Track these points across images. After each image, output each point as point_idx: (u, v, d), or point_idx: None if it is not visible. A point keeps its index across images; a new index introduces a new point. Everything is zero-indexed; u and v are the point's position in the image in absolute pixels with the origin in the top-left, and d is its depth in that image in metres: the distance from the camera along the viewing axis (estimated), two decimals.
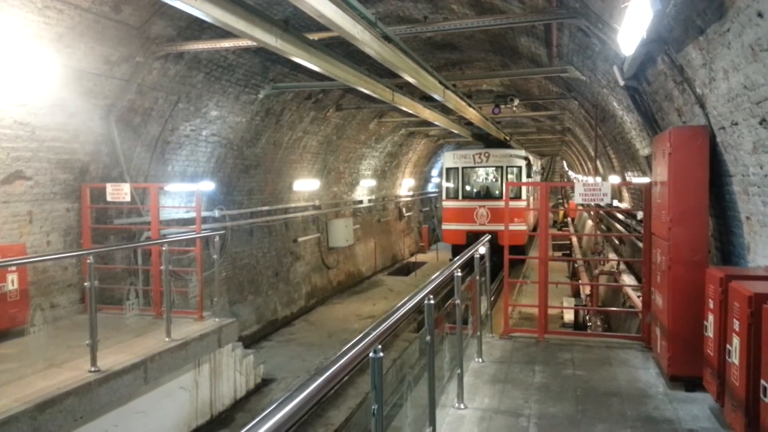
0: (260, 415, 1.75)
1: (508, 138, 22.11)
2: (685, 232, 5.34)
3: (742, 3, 3.64)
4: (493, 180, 21.09)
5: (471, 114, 14.24)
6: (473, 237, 15.16)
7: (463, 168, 20.45)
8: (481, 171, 21.32)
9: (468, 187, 20.75)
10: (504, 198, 17.36)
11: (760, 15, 3.49)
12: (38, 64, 7.22)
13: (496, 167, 20.48)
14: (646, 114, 7.64)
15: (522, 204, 19.55)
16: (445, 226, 21.07)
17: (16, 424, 5.06)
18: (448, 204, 20.83)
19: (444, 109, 15.31)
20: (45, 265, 8.23)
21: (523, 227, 18.58)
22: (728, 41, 4.08)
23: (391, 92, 11.17)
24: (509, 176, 20.09)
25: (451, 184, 20.82)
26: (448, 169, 20.86)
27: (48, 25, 7.05)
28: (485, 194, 20.46)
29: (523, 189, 19.89)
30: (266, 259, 14.98)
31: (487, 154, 20.21)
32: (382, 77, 10.68)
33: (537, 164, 29.42)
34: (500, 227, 14.31)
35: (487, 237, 6.84)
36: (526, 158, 20.18)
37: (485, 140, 21.26)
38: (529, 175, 20.33)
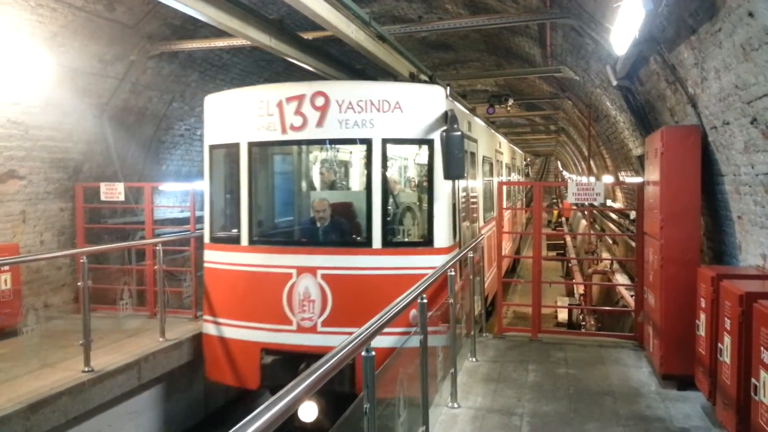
0: (254, 413, 1.76)
1: (425, 72, 9.38)
2: (677, 232, 5.37)
3: (733, 3, 3.66)
4: (342, 183, 8.47)
5: None
6: (281, 366, 6.30)
7: (252, 147, 6.67)
8: (304, 155, 7.73)
9: (269, 209, 7.43)
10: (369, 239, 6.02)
11: (750, 15, 3.52)
12: (31, 62, 7.19)
13: (347, 141, 7.06)
14: (639, 114, 7.68)
15: (434, 261, 5.81)
16: (206, 328, 6.96)
17: (9, 425, 5.04)
18: (213, 258, 6.94)
19: None
20: (38, 265, 8.20)
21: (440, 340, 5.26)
22: (720, 41, 4.11)
23: None
24: (402, 172, 8.56)
25: (220, 200, 7.26)
26: (213, 151, 7.06)
27: (41, 23, 7.02)
28: (327, 232, 6.67)
29: (441, 211, 6.29)
30: None
31: (320, 97, 6.25)
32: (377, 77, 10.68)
33: (501, 145, 13.42)
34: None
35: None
36: (447, 113, 6.17)
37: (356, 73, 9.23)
38: (456, 170, 6.00)
